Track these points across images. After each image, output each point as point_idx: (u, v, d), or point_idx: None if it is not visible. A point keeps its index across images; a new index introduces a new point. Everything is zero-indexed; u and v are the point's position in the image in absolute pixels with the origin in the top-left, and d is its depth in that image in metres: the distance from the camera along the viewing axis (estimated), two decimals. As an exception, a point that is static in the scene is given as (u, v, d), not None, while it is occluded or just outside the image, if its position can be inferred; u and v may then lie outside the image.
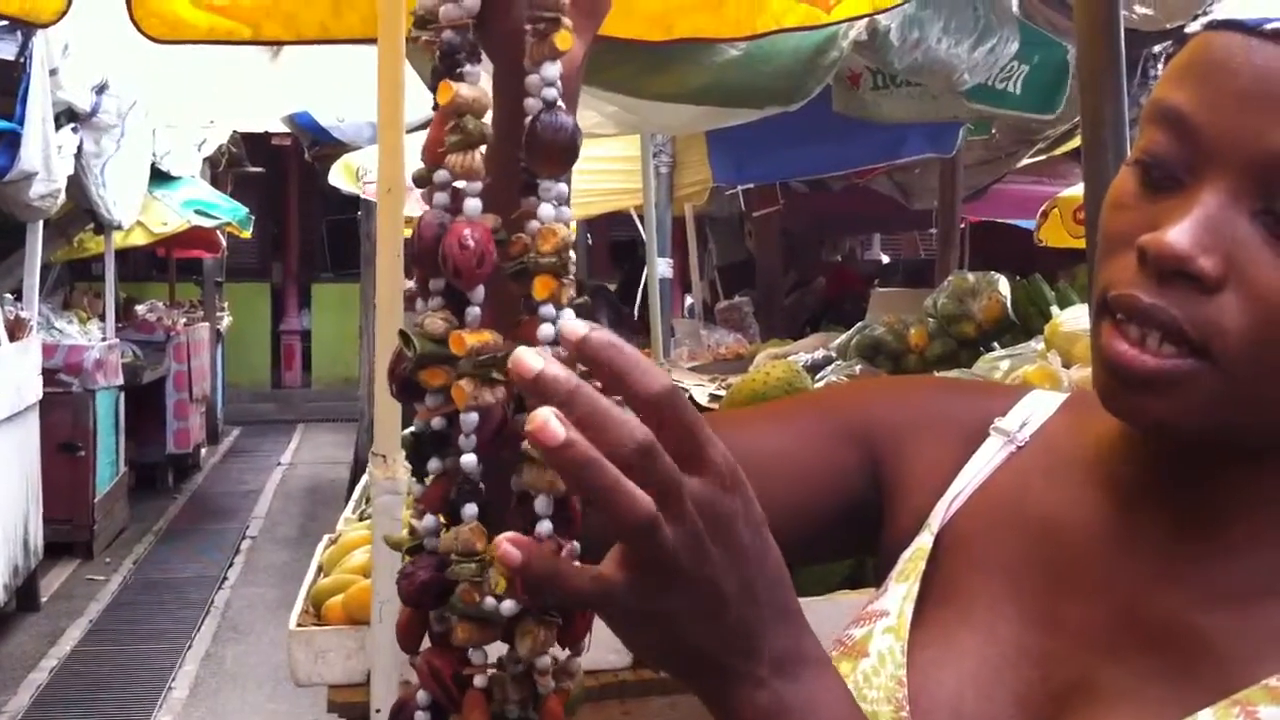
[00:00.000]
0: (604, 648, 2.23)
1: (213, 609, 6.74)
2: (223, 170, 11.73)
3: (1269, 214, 0.68)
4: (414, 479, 0.78)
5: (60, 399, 7.12)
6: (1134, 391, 0.71)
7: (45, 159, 5.78)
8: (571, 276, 0.74)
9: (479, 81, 0.74)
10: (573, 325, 0.57)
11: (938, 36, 3.36)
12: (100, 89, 6.59)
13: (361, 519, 2.96)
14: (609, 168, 6.06)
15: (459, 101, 0.72)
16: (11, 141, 5.62)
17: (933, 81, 3.79)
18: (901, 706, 0.77)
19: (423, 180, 0.75)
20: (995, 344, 3.97)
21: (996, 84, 4.25)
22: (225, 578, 7.36)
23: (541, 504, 0.71)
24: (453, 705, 0.74)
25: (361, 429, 8.59)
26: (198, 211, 9.80)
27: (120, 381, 8.20)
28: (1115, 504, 0.80)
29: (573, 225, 0.77)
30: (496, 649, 0.76)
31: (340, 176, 7.24)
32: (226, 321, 12.83)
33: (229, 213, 10.45)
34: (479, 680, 0.74)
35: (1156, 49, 4.19)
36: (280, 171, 14.66)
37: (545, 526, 0.71)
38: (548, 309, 0.73)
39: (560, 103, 0.74)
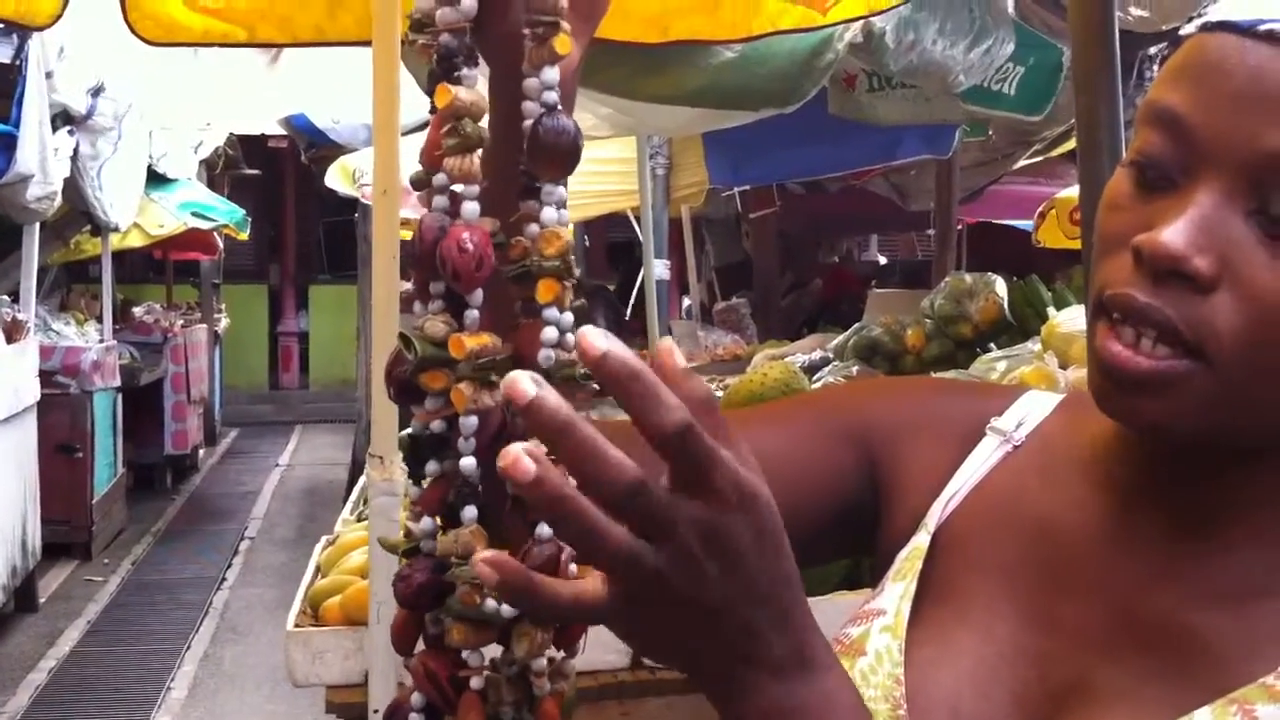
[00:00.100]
0: (602, 648, 2.23)
1: (211, 610, 6.74)
2: (219, 172, 11.72)
3: (1263, 214, 0.69)
4: (411, 481, 0.78)
5: (58, 400, 7.11)
6: (1128, 392, 0.71)
7: (41, 161, 5.77)
8: (574, 279, 0.74)
9: (476, 85, 0.74)
10: (592, 339, 0.55)
11: (933, 38, 3.36)
12: (96, 92, 6.58)
13: (359, 520, 2.96)
14: (605, 170, 6.06)
15: (457, 105, 0.72)
16: (7, 144, 5.62)
17: (928, 83, 3.79)
18: (899, 705, 0.77)
19: (420, 183, 0.75)
20: (992, 345, 3.98)
21: (991, 85, 4.25)
22: (223, 579, 7.36)
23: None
24: (448, 707, 0.74)
25: (359, 430, 8.59)
26: (194, 213, 9.79)
27: (118, 383, 8.19)
28: (1111, 504, 0.80)
29: (570, 228, 0.77)
30: (491, 651, 0.76)
31: (337, 178, 7.23)
32: (224, 323, 12.81)
33: (226, 215, 10.45)
34: (475, 682, 0.74)
35: (1152, 50, 4.20)
36: (277, 173, 14.65)
37: (546, 528, 0.71)
38: (551, 312, 0.73)
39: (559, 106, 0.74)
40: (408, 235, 0.78)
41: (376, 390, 2.05)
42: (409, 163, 0.83)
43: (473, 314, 0.74)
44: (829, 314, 7.74)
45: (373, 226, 2.22)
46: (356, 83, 4.07)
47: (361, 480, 3.14)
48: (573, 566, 0.71)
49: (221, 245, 11.79)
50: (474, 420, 0.72)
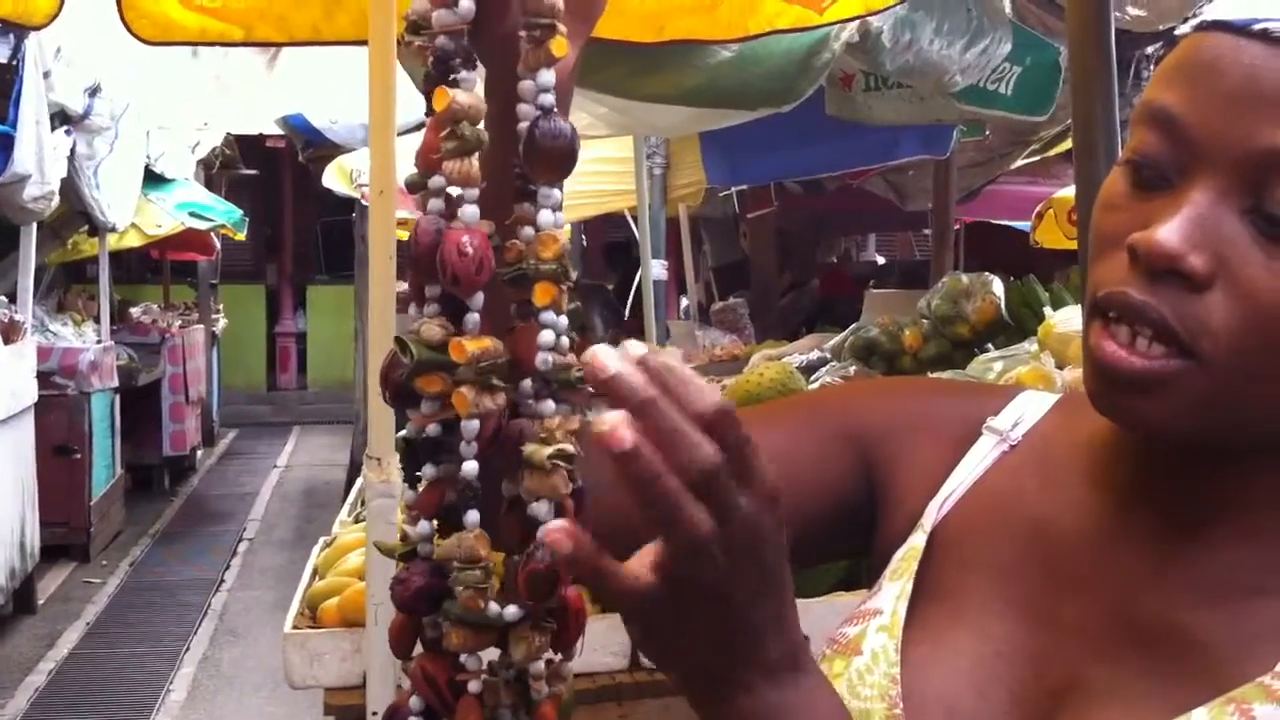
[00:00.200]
0: (601, 650, 2.23)
1: (210, 611, 6.73)
2: (216, 172, 11.71)
3: (1258, 212, 0.69)
4: (407, 485, 0.78)
5: (55, 401, 7.10)
6: (1121, 392, 0.71)
7: (39, 161, 5.77)
8: (570, 282, 0.74)
9: (474, 88, 0.74)
10: (633, 348, 0.56)
11: (930, 38, 3.36)
12: (93, 91, 6.58)
13: (357, 521, 2.96)
14: (603, 169, 6.06)
15: (455, 108, 0.72)
16: (4, 144, 5.61)
17: (924, 83, 3.79)
18: (895, 704, 0.78)
19: (416, 186, 0.75)
20: (989, 345, 3.98)
21: (988, 85, 4.25)
22: (222, 580, 7.35)
23: (543, 509, 0.71)
24: (447, 710, 0.74)
25: (357, 431, 8.58)
26: (192, 214, 9.78)
27: (115, 384, 8.18)
28: (1107, 503, 0.80)
29: (567, 229, 0.77)
30: (489, 654, 0.76)
31: (334, 178, 7.23)
32: (221, 324, 12.80)
33: (223, 215, 10.44)
34: (473, 685, 0.74)
35: (1149, 50, 4.20)
36: (274, 173, 14.64)
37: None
38: (548, 315, 0.73)
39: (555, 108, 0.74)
40: (405, 235, 0.77)
41: (373, 391, 2.05)
42: (405, 163, 0.83)
43: (473, 318, 0.74)
44: (827, 314, 7.74)
45: (369, 227, 2.22)
46: (354, 83, 4.07)
47: (359, 482, 3.13)
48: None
49: (219, 245, 11.79)
50: (475, 424, 0.72)
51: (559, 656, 0.76)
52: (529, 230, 0.74)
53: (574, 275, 0.74)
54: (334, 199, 8.85)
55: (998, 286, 4.11)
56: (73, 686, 5.58)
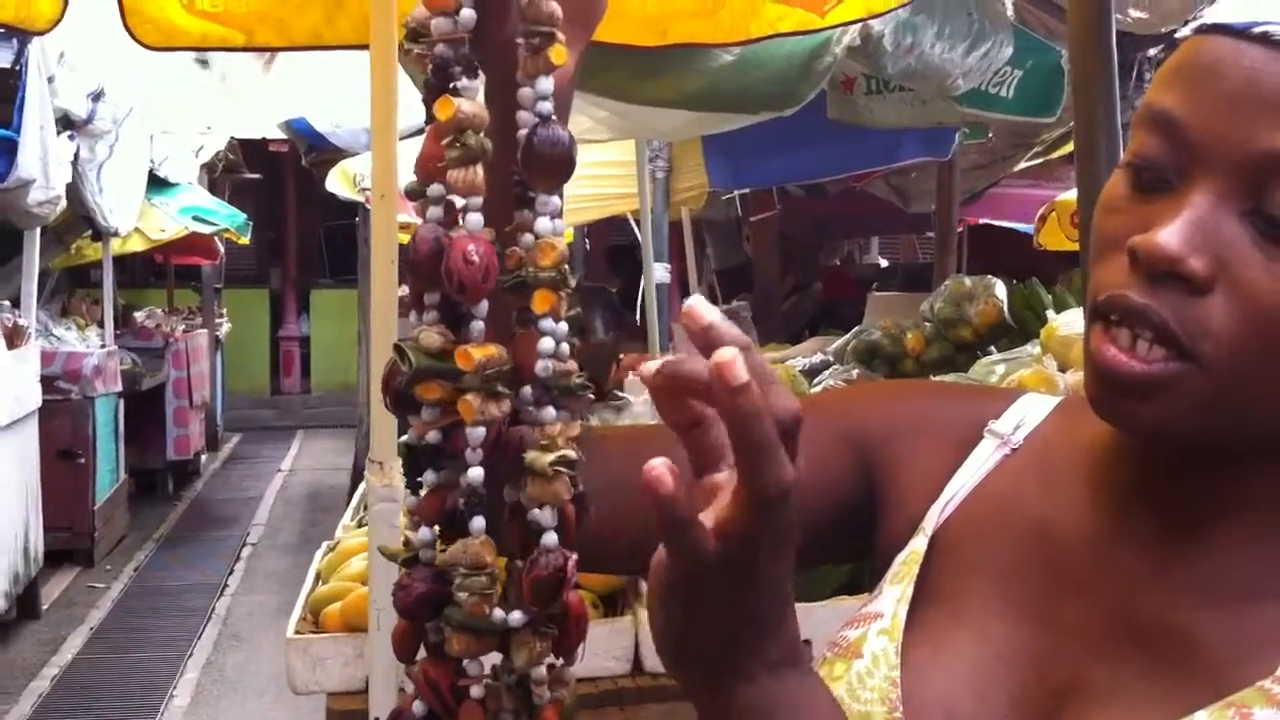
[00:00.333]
0: (604, 655, 2.23)
1: (214, 616, 6.74)
2: (220, 176, 11.73)
3: (1258, 214, 0.69)
4: (409, 490, 0.78)
5: (59, 406, 7.11)
6: (1122, 396, 0.71)
7: (44, 166, 5.78)
8: (570, 289, 0.75)
9: (477, 96, 0.74)
10: (700, 307, 0.57)
11: (931, 41, 3.36)
12: (96, 96, 6.59)
13: (360, 526, 2.96)
14: (605, 173, 6.05)
15: (460, 117, 0.72)
16: (8, 149, 5.62)
17: (925, 87, 3.79)
18: (895, 707, 0.78)
19: (415, 194, 0.75)
20: (992, 348, 3.98)
21: (990, 89, 4.25)
22: (226, 585, 7.35)
23: (547, 516, 0.71)
24: (449, 715, 0.75)
25: (360, 435, 8.59)
26: (196, 218, 9.79)
27: (119, 388, 8.19)
28: (1108, 506, 0.80)
29: (569, 233, 0.77)
30: (492, 659, 0.76)
31: (338, 182, 7.23)
32: (225, 328, 12.81)
33: (227, 219, 10.45)
34: (475, 690, 0.74)
35: (1152, 52, 4.20)
36: (278, 177, 14.65)
37: (551, 538, 0.71)
38: (547, 323, 0.73)
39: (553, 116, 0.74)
40: (406, 239, 0.78)
41: (376, 395, 2.05)
42: (407, 168, 0.83)
43: (478, 325, 0.74)
44: (830, 317, 7.74)
45: (371, 231, 2.22)
46: (357, 87, 4.08)
47: (362, 486, 3.14)
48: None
49: (223, 250, 11.79)
50: (481, 431, 0.72)
51: (561, 661, 0.76)
52: (528, 237, 0.74)
53: (573, 281, 0.74)
54: (337, 203, 8.86)
55: (1000, 289, 4.11)
56: (77, 692, 5.59)
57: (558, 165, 0.73)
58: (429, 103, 0.74)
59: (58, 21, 2.32)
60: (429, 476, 0.76)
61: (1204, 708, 0.70)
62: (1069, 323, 3.27)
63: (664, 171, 5.68)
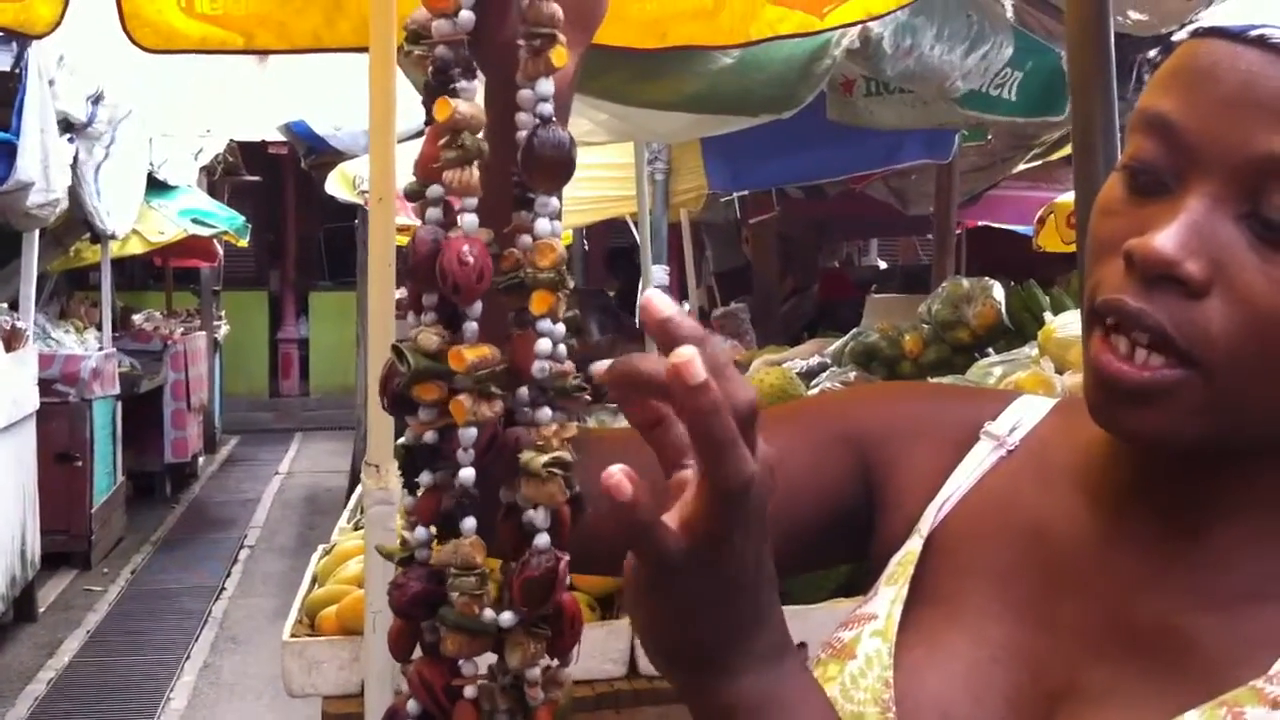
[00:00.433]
0: (600, 657, 2.23)
1: (211, 619, 6.73)
2: (219, 179, 11.73)
3: (1255, 217, 0.69)
4: (405, 491, 0.78)
5: (57, 409, 7.10)
6: (1121, 404, 0.71)
7: (44, 169, 5.78)
8: (568, 291, 0.75)
9: (475, 97, 0.74)
10: (657, 300, 0.57)
11: (930, 43, 3.36)
12: (96, 99, 6.59)
13: (357, 528, 2.96)
14: (604, 175, 6.06)
15: (458, 118, 0.72)
16: (8, 151, 5.62)
17: (925, 88, 3.79)
18: (888, 708, 0.78)
19: (414, 195, 0.75)
20: (990, 350, 3.97)
21: (990, 90, 4.25)
22: (223, 588, 7.35)
23: (540, 517, 0.71)
24: (443, 715, 0.75)
25: (358, 437, 8.58)
26: (194, 220, 9.80)
27: (117, 391, 8.18)
28: (1104, 508, 0.80)
29: (568, 235, 0.77)
30: (487, 659, 0.76)
31: (337, 185, 7.24)
32: (224, 330, 12.81)
33: (226, 221, 10.45)
34: (469, 691, 0.74)
35: (1151, 54, 4.20)
36: (277, 180, 14.65)
37: (544, 539, 0.71)
38: (545, 324, 0.73)
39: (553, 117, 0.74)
40: (404, 242, 0.78)
41: (373, 398, 2.05)
42: (405, 170, 0.83)
43: (472, 326, 0.74)
44: (828, 319, 7.73)
45: (369, 233, 2.22)
46: (356, 89, 4.07)
47: (359, 489, 3.13)
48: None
49: (221, 252, 11.79)
50: (474, 432, 0.72)
51: (556, 663, 0.76)
52: (526, 239, 0.74)
53: (571, 283, 0.74)
54: (336, 205, 8.86)
55: (998, 291, 4.11)
56: (74, 695, 5.58)
57: (558, 167, 0.73)
58: (429, 105, 0.74)
59: (57, 25, 2.32)
60: (425, 477, 0.76)
61: (1197, 707, 0.70)
62: (1067, 325, 3.27)
63: (663, 174, 5.68)
